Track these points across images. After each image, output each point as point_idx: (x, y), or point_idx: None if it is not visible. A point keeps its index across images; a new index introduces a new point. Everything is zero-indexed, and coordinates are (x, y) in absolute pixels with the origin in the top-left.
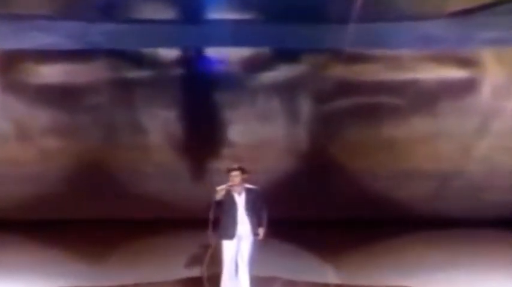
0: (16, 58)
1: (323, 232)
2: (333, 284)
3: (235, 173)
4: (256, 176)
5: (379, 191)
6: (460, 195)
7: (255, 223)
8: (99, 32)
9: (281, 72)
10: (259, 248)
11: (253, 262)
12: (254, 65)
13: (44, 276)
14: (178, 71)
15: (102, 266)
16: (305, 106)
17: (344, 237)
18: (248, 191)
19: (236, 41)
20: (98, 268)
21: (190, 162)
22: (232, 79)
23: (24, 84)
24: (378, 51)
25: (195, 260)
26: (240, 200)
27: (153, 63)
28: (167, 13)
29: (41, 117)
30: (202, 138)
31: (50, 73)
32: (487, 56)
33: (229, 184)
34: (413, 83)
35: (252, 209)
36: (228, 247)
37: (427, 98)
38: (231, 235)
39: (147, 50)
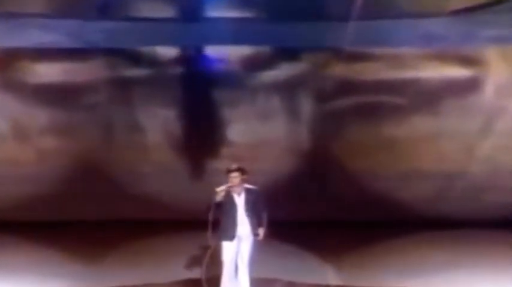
0: (13, 56)
1: (324, 233)
2: (333, 285)
3: (235, 173)
4: (256, 176)
5: (380, 192)
6: (462, 196)
7: (255, 224)
8: (97, 30)
9: (281, 71)
10: (260, 249)
11: (254, 263)
12: (254, 64)
13: (42, 277)
14: (177, 70)
15: (100, 268)
16: (305, 105)
17: (345, 238)
18: (248, 192)
19: (236, 39)
20: (95, 269)
21: (190, 162)
22: (232, 78)
23: (21, 83)
24: (379, 50)
25: (194, 262)
26: (240, 200)
27: (152, 61)
28: (166, 11)
29: (38, 116)
30: (201, 137)
31: (48, 72)
32: (490, 54)
33: (229, 184)
34: (415, 81)
35: (252, 209)
36: (227, 248)
37: (429, 97)
38: (230, 236)
39: (146, 49)
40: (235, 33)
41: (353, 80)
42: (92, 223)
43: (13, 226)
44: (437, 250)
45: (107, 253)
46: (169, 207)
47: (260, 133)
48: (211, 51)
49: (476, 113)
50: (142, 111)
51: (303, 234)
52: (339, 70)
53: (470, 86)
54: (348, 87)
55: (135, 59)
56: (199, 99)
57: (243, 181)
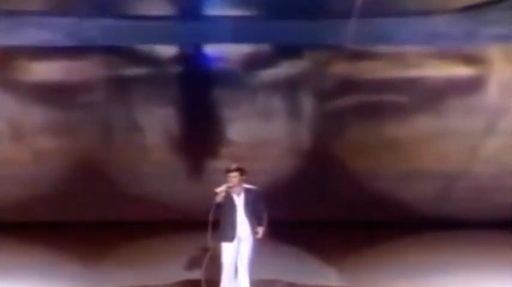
0: (9, 55)
1: (324, 233)
2: (334, 286)
3: (234, 173)
4: (256, 176)
5: (381, 192)
6: (465, 196)
7: (255, 224)
8: (94, 28)
9: (282, 70)
10: (260, 250)
11: (254, 264)
12: (254, 62)
13: (40, 278)
14: (176, 69)
15: (98, 269)
16: (306, 104)
17: (346, 238)
18: (247, 192)
19: (236, 37)
20: (94, 270)
21: (189, 162)
22: (232, 76)
23: (18, 82)
24: (381, 48)
25: (194, 263)
26: (239, 201)
27: (151, 60)
28: (165, 9)
29: (35, 116)
30: (201, 137)
31: (45, 70)
32: (494, 52)
33: (228, 185)
34: (418, 80)
35: (252, 210)
36: (227, 250)
37: (432, 96)
38: (230, 238)
39: (145, 47)
40: (235, 31)
41: (355, 79)
42: (90, 224)
43: (11, 226)
44: (439, 251)
45: (106, 253)
46: (169, 207)
47: (260, 133)
48: (211, 49)
49: (480, 112)
50: (141, 110)
51: (303, 234)
52: (341, 69)
53: (473, 85)
54: (349, 86)
55: (133, 57)
56: (199, 99)
57: (243, 181)
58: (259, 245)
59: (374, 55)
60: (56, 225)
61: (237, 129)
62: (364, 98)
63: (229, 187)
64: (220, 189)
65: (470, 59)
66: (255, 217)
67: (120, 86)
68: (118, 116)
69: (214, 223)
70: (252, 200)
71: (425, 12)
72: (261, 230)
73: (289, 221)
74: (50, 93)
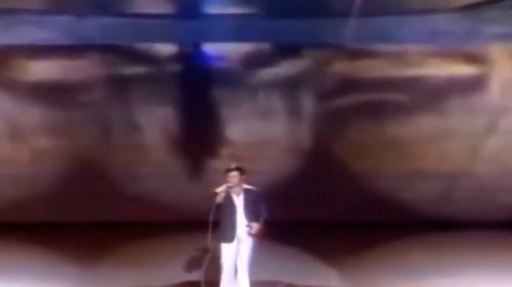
0: (7, 54)
1: (325, 234)
2: None
3: (234, 173)
4: (256, 176)
5: (382, 192)
6: (466, 196)
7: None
8: (93, 27)
9: (282, 69)
10: (259, 250)
11: (254, 265)
12: (254, 61)
13: (39, 279)
14: (175, 68)
15: (97, 270)
16: (307, 103)
17: (346, 239)
18: (247, 193)
19: (236, 36)
20: (93, 271)
21: (188, 161)
22: (232, 75)
23: (15, 81)
24: (382, 47)
25: (193, 264)
26: (239, 201)
27: (150, 59)
28: (164, 7)
29: (33, 115)
30: (200, 137)
31: (43, 70)
32: (496, 52)
33: (228, 185)
34: (419, 79)
35: (252, 210)
36: (227, 250)
37: (433, 96)
38: (230, 238)
39: (144, 46)
40: (235, 29)
41: (355, 78)
42: (89, 224)
43: (8, 227)
44: (440, 251)
45: (105, 254)
46: (168, 208)
47: (260, 132)
48: (211, 48)
49: (481, 111)
50: (140, 109)
51: (303, 235)
52: (341, 68)
53: (475, 84)
54: (350, 85)
55: (132, 56)
56: (198, 98)
57: (242, 181)
58: (258, 246)
59: (374, 54)
60: (55, 225)
61: (237, 128)
62: (364, 97)
63: (229, 187)
64: (220, 189)
65: (471, 58)
66: (254, 218)
67: (119, 85)
68: (117, 115)
69: (215, 223)
70: (251, 201)
71: (426, 11)
72: (255, 226)
73: (289, 221)
74: (48, 93)
